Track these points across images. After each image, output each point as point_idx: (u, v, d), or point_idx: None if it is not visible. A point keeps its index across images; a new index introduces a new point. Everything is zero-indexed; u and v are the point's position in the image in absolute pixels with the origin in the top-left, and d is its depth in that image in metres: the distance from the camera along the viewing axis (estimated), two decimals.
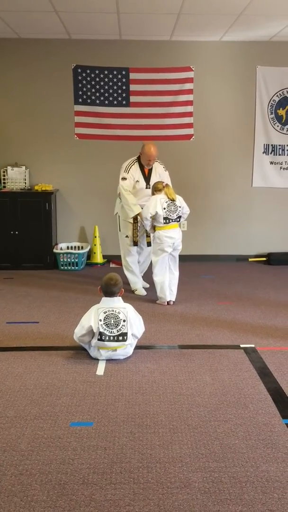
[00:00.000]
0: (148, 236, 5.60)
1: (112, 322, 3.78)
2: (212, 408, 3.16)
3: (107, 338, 3.76)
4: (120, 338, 3.79)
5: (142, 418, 3.04)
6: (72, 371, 3.66)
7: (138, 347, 4.05)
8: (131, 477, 2.49)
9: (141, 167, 5.43)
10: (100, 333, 3.75)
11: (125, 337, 3.80)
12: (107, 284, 3.91)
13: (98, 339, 3.76)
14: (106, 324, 3.77)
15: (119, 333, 3.78)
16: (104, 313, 3.81)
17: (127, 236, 5.56)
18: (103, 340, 3.75)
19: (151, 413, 3.09)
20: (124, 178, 5.35)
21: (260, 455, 2.68)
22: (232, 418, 3.05)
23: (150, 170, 5.51)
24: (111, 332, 3.76)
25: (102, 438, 2.82)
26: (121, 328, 3.79)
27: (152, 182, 5.38)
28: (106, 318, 3.79)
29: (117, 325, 3.79)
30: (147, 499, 2.33)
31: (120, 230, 5.68)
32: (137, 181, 5.40)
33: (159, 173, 5.56)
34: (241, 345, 4.19)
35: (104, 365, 3.77)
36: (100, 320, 3.77)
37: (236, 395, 3.33)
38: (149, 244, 5.63)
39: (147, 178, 5.45)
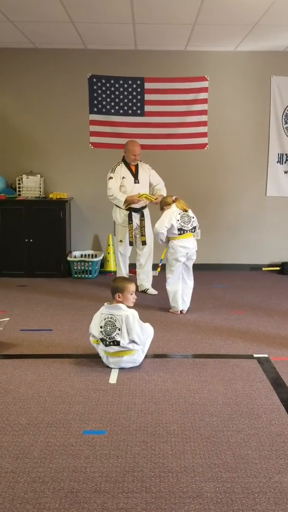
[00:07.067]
0: (143, 235, 5.84)
1: (108, 329, 3.81)
2: (224, 418, 3.15)
3: (106, 343, 3.82)
4: (112, 344, 3.82)
5: (154, 427, 3.04)
6: (85, 379, 3.67)
7: (150, 356, 4.05)
8: (144, 486, 2.49)
9: (127, 166, 5.72)
10: (102, 339, 3.84)
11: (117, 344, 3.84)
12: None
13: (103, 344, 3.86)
14: (105, 331, 3.81)
15: (111, 340, 3.80)
16: (104, 319, 3.84)
17: (121, 241, 5.86)
18: (104, 345, 3.83)
19: (163, 422, 3.09)
20: (110, 178, 5.70)
21: (273, 465, 2.66)
22: (245, 428, 3.04)
23: (136, 167, 5.82)
24: (109, 338, 3.80)
25: (114, 447, 2.82)
26: (115, 336, 3.79)
27: (140, 177, 5.75)
28: (105, 325, 3.82)
29: (112, 332, 3.79)
30: (159, 509, 2.33)
31: (115, 235, 5.99)
32: (123, 177, 5.69)
33: (148, 168, 5.88)
34: (255, 355, 4.17)
35: (117, 373, 3.77)
36: (101, 327, 3.83)
37: (249, 405, 3.31)
38: (144, 242, 5.87)
39: (134, 174, 5.74)
